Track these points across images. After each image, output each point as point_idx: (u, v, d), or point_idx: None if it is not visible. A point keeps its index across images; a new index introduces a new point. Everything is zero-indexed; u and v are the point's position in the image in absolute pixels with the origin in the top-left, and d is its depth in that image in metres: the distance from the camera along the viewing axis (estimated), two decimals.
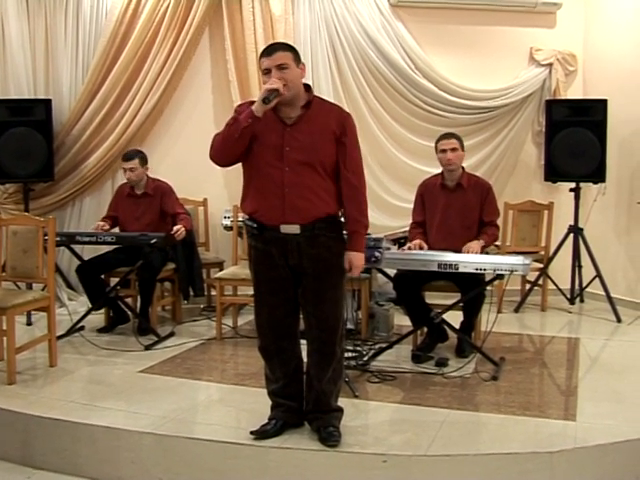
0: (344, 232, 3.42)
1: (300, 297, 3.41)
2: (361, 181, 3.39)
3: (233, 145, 3.27)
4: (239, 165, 3.40)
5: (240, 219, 5.87)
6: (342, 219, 3.42)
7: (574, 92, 7.04)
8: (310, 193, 3.26)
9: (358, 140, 3.42)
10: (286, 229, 3.28)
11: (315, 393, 3.46)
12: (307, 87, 3.37)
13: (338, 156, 3.31)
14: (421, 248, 4.82)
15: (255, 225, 3.35)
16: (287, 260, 3.34)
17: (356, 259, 3.36)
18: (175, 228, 5.53)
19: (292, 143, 3.26)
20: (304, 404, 3.54)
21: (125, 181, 5.89)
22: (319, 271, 3.33)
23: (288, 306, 3.42)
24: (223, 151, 3.32)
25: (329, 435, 3.35)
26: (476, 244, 4.73)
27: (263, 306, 3.44)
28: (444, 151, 4.97)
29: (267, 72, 3.25)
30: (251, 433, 3.39)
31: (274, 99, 3.17)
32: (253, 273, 3.47)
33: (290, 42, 6.42)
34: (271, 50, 3.28)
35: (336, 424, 3.44)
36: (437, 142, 5.07)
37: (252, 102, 3.28)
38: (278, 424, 3.45)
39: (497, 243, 5.71)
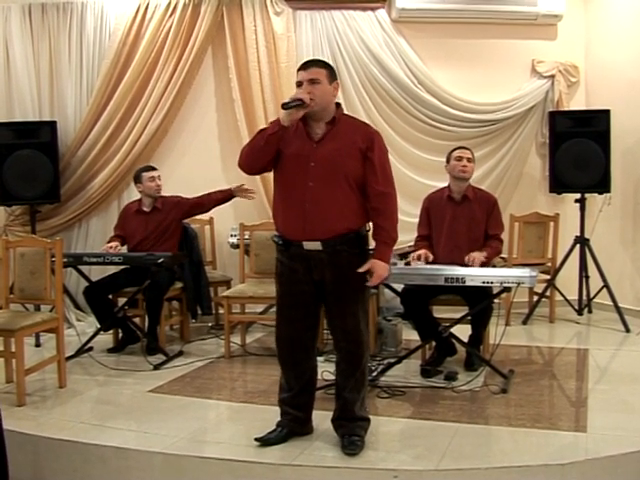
0: (368, 247, 3.47)
1: (326, 311, 3.50)
2: (387, 194, 3.43)
3: (259, 152, 3.38)
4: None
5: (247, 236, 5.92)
6: (368, 233, 3.49)
7: (577, 103, 7.06)
8: (330, 208, 3.32)
9: (387, 157, 3.49)
10: (308, 245, 3.36)
11: (341, 401, 3.53)
12: (337, 105, 3.46)
13: (365, 170, 3.37)
14: (426, 257, 4.80)
15: (281, 242, 3.44)
16: (312, 275, 3.41)
17: (378, 267, 3.38)
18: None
19: (317, 158, 3.33)
20: (312, 415, 3.63)
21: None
22: (342, 286, 3.39)
23: (308, 321, 3.49)
24: (249, 158, 3.43)
25: (350, 443, 3.41)
26: (478, 254, 4.70)
27: (283, 319, 3.52)
28: (460, 158, 4.96)
29: (299, 84, 3.37)
30: (255, 440, 3.46)
31: (295, 107, 3.25)
32: (277, 286, 3.55)
33: (292, 59, 6.57)
34: (307, 65, 3.43)
35: (361, 433, 3.49)
36: (452, 152, 5.06)
37: None
38: (283, 432, 3.53)
39: (504, 255, 5.72)
